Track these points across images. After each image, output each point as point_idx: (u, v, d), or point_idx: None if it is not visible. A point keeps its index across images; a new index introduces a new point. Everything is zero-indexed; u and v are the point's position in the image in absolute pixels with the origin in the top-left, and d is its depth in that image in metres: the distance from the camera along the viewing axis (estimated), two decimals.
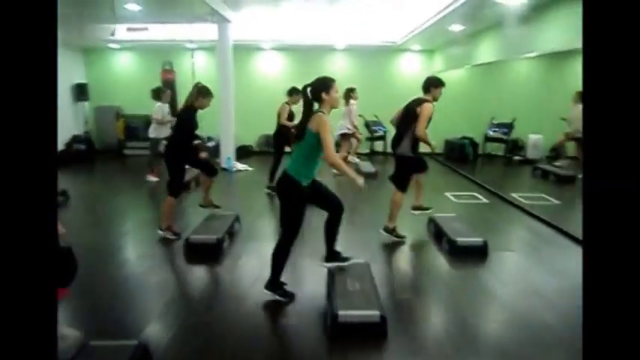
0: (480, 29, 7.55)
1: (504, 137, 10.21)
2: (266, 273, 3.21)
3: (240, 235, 4.71)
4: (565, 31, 5.53)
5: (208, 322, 2.99)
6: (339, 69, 10.46)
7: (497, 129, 10.26)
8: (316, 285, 3.48)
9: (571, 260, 4.29)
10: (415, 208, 4.97)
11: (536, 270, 4.04)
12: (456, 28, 7.26)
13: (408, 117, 4.29)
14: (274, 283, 3.19)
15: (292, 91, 6.26)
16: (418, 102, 4.27)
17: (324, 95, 2.97)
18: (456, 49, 9.05)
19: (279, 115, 6.27)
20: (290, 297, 3.21)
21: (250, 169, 8.76)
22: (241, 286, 3.54)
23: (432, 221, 4.90)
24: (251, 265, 3.99)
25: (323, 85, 2.98)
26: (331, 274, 3.35)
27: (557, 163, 8.40)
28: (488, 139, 10.37)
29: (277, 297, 3.18)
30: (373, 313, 2.76)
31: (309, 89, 3.00)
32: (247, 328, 2.91)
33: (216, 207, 4.99)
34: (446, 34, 7.94)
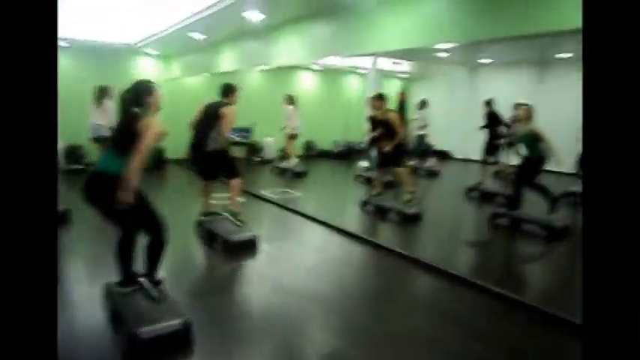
0: (221, 39, 8.01)
1: (245, 141, 11.10)
2: None
3: None
4: (292, 49, 6.54)
5: None
6: (61, 69, 9.14)
7: (237, 133, 11.04)
8: (89, 309, 3.13)
9: (321, 239, 5.21)
10: (206, 214, 5.02)
11: (298, 251, 4.73)
12: (198, 36, 7.49)
13: (211, 118, 4.53)
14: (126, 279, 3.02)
15: None
16: (220, 104, 4.59)
17: (149, 99, 2.83)
18: (196, 56, 9.29)
19: None
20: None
21: None
22: None
23: (200, 224, 5.01)
24: None
25: (145, 89, 2.87)
26: (110, 294, 3.07)
27: (285, 162, 9.69)
28: (230, 143, 11.04)
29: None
30: (176, 322, 2.72)
31: (127, 97, 2.82)
32: None
33: None
34: (186, 41, 8.05)
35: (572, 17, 3.38)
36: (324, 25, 5.77)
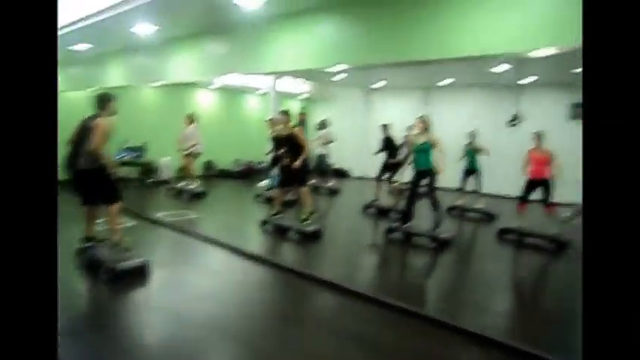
0: (109, 51, 7.46)
1: (137, 160, 10.40)
2: None
3: None
4: (187, 66, 6.33)
5: None
6: None
7: (129, 152, 10.32)
8: None
9: (220, 262, 5.01)
10: (89, 240, 4.54)
11: (194, 276, 4.48)
12: (81, 47, 6.89)
13: (84, 132, 4.16)
14: None
15: None
16: (94, 117, 4.21)
17: None
18: (81, 69, 8.53)
19: None
20: None
21: None
22: None
23: (82, 252, 4.52)
24: None
25: None
26: None
27: (184, 183, 9.24)
28: (120, 163, 10.25)
29: None
30: None
31: None
32: None
33: None
34: (67, 50, 7.36)
35: (455, 47, 3.74)
36: (221, 42, 5.68)
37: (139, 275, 4.21)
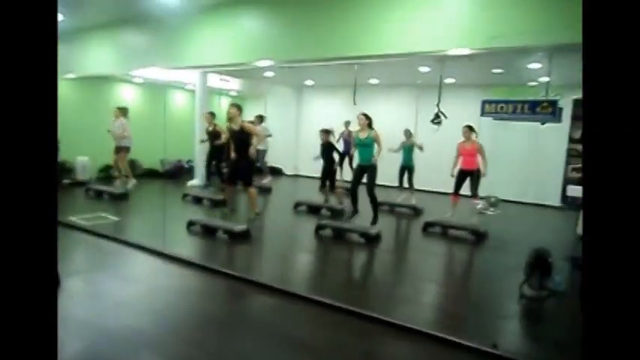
0: None
1: None
2: None
3: None
4: (102, 58, 5.91)
5: None
6: None
7: None
8: None
9: (143, 267, 4.72)
10: None
11: (111, 283, 4.17)
12: None
13: None
14: None
15: None
16: None
17: None
18: None
19: None
20: None
21: None
22: None
23: None
24: None
25: None
26: None
27: (118, 182, 8.73)
28: None
29: None
30: None
31: None
32: None
33: None
34: None
35: (378, 45, 3.80)
36: (140, 34, 5.36)
37: None
